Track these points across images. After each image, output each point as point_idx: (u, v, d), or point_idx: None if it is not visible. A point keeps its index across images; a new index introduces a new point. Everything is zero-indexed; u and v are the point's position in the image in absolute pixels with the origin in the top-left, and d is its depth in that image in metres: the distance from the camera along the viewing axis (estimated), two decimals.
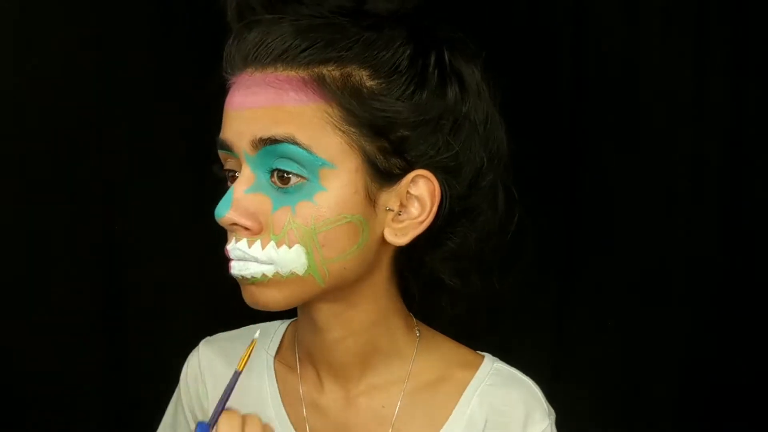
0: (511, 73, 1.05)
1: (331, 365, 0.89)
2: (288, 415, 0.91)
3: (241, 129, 0.78)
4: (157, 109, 1.29)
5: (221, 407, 0.75)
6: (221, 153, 0.82)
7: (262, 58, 0.78)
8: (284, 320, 0.99)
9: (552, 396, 0.94)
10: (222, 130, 0.80)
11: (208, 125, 0.83)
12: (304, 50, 0.77)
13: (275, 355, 0.95)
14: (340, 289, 0.82)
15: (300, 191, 0.77)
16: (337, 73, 0.77)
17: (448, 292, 0.87)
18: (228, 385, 0.78)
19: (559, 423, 0.92)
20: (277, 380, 0.93)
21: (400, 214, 0.80)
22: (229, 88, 0.81)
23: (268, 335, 0.97)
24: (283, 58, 0.77)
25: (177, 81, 1.27)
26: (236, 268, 0.79)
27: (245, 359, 0.78)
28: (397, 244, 0.81)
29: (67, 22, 1.26)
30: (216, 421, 0.73)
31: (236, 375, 0.77)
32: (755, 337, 1.30)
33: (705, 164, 1.29)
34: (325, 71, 0.77)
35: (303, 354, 0.93)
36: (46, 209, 1.27)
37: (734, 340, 1.31)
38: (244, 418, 0.74)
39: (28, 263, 1.27)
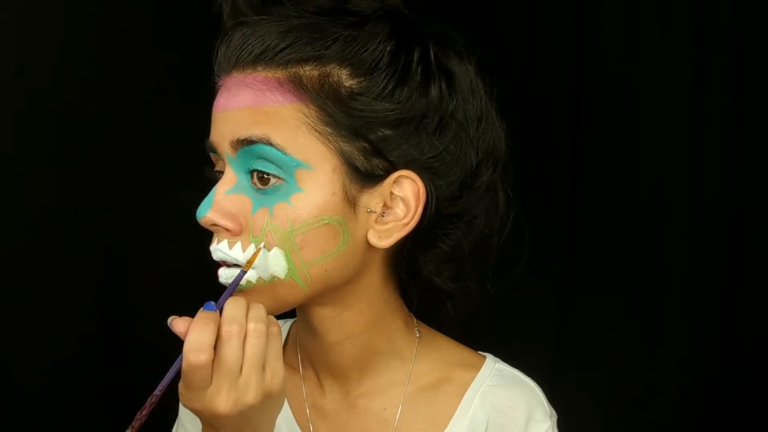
0: (510, 73, 1.05)
1: (330, 367, 0.89)
2: (294, 416, 0.91)
3: (223, 130, 0.79)
4: (159, 109, 1.29)
5: (227, 296, 0.76)
6: (211, 155, 0.83)
7: (243, 59, 0.78)
8: (287, 320, 0.98)
9: (552, 397, 0.94)
10: (210, 133, 0.81)
11: (209, 127, 0.83)
12: (281, 50, 0.77)
13: None
14: (330, 293, 0.81)
15: (277, 192, 0.77)
16: (315, 73, 0.77)
17: (445, 295, 0.86)
18: (233, 281, 0.77)
19: (561, 424, 0.92)
20: None
21: (383, 216, 0.80)
22: (218, 90, 0.82)
23: None
24: (262, 58, 0.77)
25: (178, 81, 1.27)
26: (223, 277, 0.80)
27: (252, 260, 0.77)
28: (381, 247, 0.80)
29: (66, 22, 1.26)
30: (222, 306, 0.74)
31: (241, 273, 0.78)
32: (757, 338, 1.30)
33: (705, 165, 1.29)
34: (302, 71, 0.77)
35: (303, 355, 0.93)
36: (44, 209, 1.27)
37: (737, 340, 1.31)
38: (249, 305, 0.74)
39: (25, 264, 1.27)
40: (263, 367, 0.73)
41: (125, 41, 1.27)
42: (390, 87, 0.77)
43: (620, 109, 1.29)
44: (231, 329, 0.71)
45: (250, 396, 0.72)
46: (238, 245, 0.78)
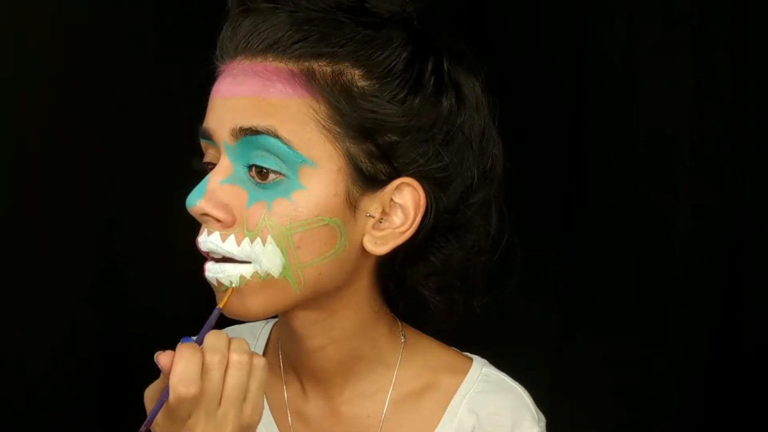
0: (509, 86, 1.04)
1: (313, 373, 0.87)
2: (276, 422, 0.90)
3: (223, 117, 0.76)
4: (159, 109, 1.30)
5: (207, 330, 0.73)
6: (202, 143, 0.80)
7: (253, 47, 0.76)
8: (269, 320, 0.96)
9: (553, 396, 0.93)
10: (205, 119, 0.79)
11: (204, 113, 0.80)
12: (296, 42, 0.75)
13: None
14: (318, 298, 0.80)
15: (278, 188, 0.75)
16: (328, 70, 0.75)
17: (431, 306, 0.85)
18: (210, 317, 0.75)
19: (552, 428, 0.91)
20: None
21: (381, 222, 0.78)
22: (218, 76, 0.79)
23: (254, 336, 0.95)
24: (274, 48, 0.76)
25: (179, 81, 1.27)
26: (211, 271, 0.77)
27: (225, 299, 0.76)
28: (376, 253, 0.79)
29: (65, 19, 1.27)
30: (201, 341, 0.72)
31: (217, 310, 0.76)
32: (755, 344, 1.30)
33: (706, 168, 1.28)
34: (315, 66, 0.75)
35: (285, 359, 0.91)
36: (44, 208, 1.28)
37: (734, 347, 1.31)
38: (230, 340, 0.72)
39: (26, 264, 1.28)
40: (244, 399, 0.72)
41: (125, 40, 1.28)
42: (402, 94, 0.77)
43: (620, 120, 1.29)
44: (213, 359, 0.70)
45: (228, 430, 0.71)
46: (232, 238, 0.75)
